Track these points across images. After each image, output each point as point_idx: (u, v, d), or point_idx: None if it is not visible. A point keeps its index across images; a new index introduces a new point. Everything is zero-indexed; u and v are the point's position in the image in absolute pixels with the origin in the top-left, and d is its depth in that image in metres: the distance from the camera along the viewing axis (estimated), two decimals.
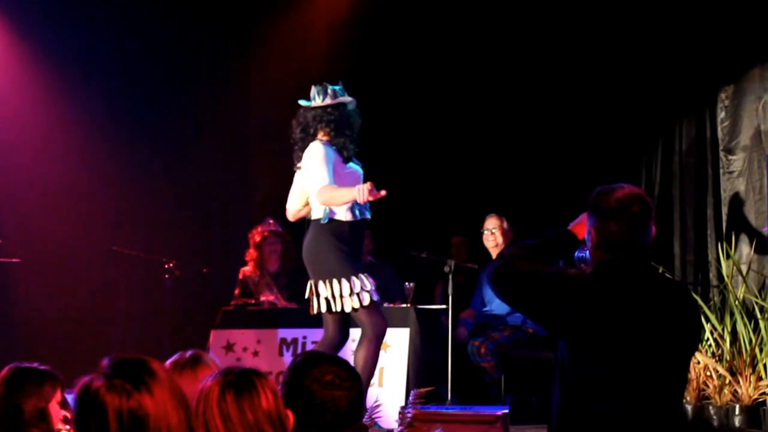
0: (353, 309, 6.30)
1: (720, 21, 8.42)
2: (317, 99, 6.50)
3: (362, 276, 6.34)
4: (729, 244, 7.83)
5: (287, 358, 7.65)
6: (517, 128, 9.34)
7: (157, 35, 9.50)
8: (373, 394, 6.62)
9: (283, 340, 7.73)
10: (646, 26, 8.72)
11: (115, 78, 9.41)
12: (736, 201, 8.12)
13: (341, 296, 6.29)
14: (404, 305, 7.62)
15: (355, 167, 6.50)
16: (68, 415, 3.75)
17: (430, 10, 9.47)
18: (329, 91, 6.51)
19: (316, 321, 7.72)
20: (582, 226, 3.72)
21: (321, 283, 6.32)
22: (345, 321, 6.47)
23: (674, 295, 3.58)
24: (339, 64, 9.29)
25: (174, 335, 8.33)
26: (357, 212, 6.39)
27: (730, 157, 8.31)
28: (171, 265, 8.29)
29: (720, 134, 8.39)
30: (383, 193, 6.02)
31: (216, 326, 7.93)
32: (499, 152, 9.37)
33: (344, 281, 6.29)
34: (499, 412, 6.41)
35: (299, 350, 7.65)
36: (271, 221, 8.47)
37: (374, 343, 6.37)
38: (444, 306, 7.67)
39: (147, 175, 9.49)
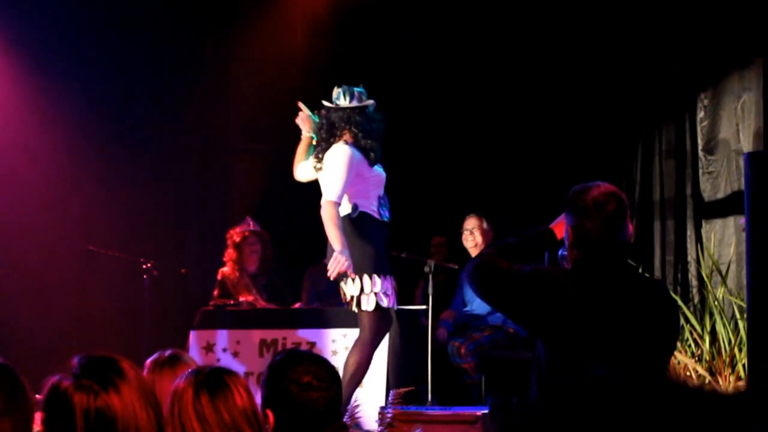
0: (366, 310, 6.28)
1: (699, 22, 8.46)
2: (343, 100, 6.46)
3: (386, 278, 6.32)
4: (709, 244, 7.86)
5: (267, 358, 7.51)
6: (497, 128, 9.34)
7: (136, 34, 9.46)
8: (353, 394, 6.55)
9: (263, 341, 7.68)
10: (627, 28, 8.75)
11: (94, 78, 9.34)
12: (716, 201, 8.15)
13: (359, 293, 6.24)
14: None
15: (379, 171, 6.46)
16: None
17: (410, 9, 9.46)
18: (355, 93, 6.48)
19: (296, 322, 7.79)
20: (561, 225, 3.73)
21: (349, 280, 6.23)
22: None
23: (651, 293, 3.60)
24: (318, 64, 9.29)
25: (153, 336, 8.27)
26: (384, 214, 6.42)
27: (709, 157, 8.37)
28: (149, 265, 8.25)
29: (699, 135, 8.45)
30: (350, 273, 6.05)
31: (195, 327, 7.86)
32: (480, 152, 9.37)
33: (366, 277, 6.23)
34: (479, 412, 6.44)
35: (279, 351, 7.59)
36: (250, 221, 8.46)
37: (368, 350, 6.33)
38: (424, 306, 7.68)
39: (125, 175, 9.41)
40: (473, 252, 8.07)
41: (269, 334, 7.69)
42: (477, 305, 8.05)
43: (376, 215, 6.37)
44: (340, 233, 6.06)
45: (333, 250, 6.04)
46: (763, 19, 8.18)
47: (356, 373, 6.27)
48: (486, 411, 6.59)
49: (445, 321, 8.03)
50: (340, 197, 6.17)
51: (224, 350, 7.75)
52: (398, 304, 7.53)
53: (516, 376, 7.73)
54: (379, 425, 6.56)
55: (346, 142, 6.32)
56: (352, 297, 6.26)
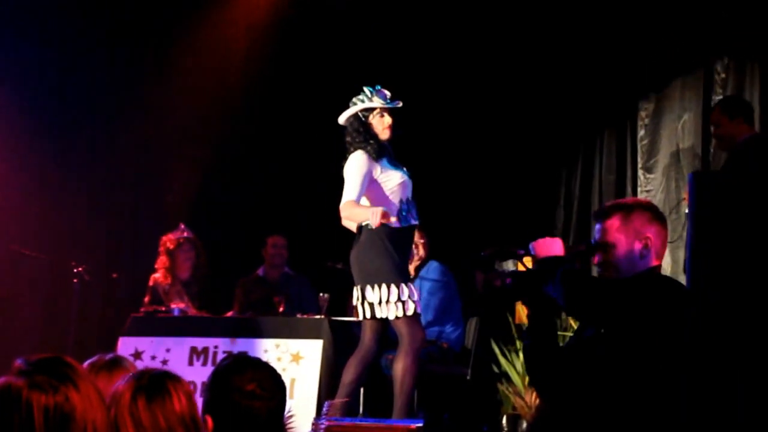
0: (396, 317, 6.29)
1: (642, 40, 8.60)
2: (342, 117, 6.61)
3: (410, 285, 6.36)
4: None
5: (197, 367, 7.54)
6: (435, 139, 9.36)
7: (71, 36, 9.36)
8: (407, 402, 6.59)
9: (194, 349, 7.62)
10: (570, 42, 8.86)
11: (27, 77, 9.22)
12: None
13: (387, 302, 6.29)
14: (318, 316, 7.59)
15: (397, 174, 6.51)
16: None
17: (348, 16, 9.46)
18: (352, 103, 6.61)
19: (228, 331, 7.71)
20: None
21: (369, 288, 6.31)
22: (383, 330, 6.51)
23: None
24: (258, 69, 9.25)
25: (81, 341, 8.16)
26: (402, 220, 6.40)
27: (648, 175, 8.52)
28: (81, 269, 8.11)
29: (639, 152, 8.59)
30: (393, 219, 6.17)
31: (124, 333, 7.78)
32: (417, 163, 9.36)
33: (393, 287, 6.28)
34: (413, 425, 6.38)
35: (209, 360, 7.55)
36: (183, 228, 8.42)
37: (411, 355, 6.37)
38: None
39: (57, 178, 9.31)
40: (413, 265, 8.04)
41: (200, 343, 7.63)
42: None
43: (395, 223, 6.37)
44: (363, 208, 6.25)
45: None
46: (703, 41, 8.34)
47: (404, 380, 6.38)
48: (420, 424, 6.55)
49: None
50: (359, 196, 6.31)
51: (153, 358, 7.64)
52: (332, 314, 7.63)
53: (448, 391, 7.73)
54: None
55: (356, 150, 6.45)
56: (365, 306, 6.35)
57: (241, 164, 9.90)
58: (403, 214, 6.40)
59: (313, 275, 8.78)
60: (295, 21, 9.46)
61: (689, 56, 8.44)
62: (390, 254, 6.33)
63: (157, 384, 2.89)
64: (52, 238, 9.03)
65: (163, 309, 8.06)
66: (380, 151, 6.47)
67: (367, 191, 6.42)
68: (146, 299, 8.28)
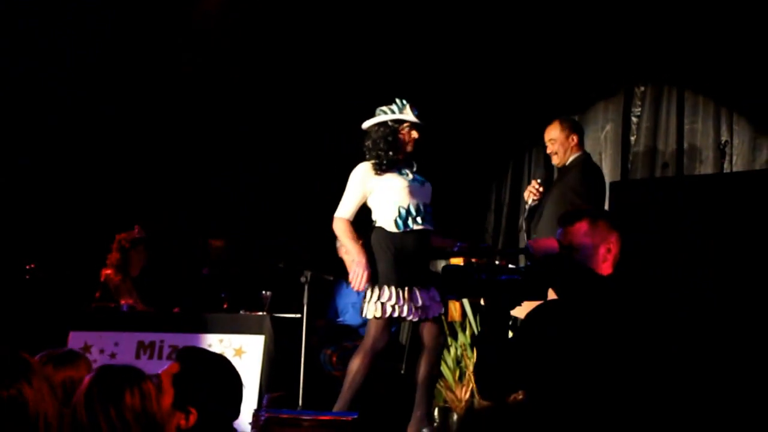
0: (374, 317, 6.51)
1: (568, 52, 8.79)
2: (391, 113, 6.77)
3: (402, 289, 6.51)
4: None
5: (144, 360, 7.65)
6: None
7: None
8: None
9: (141, 343, 7.74)
10: (497, 53, 8.99)
11: None
12: None
13: (370, 301, 6.50)
14: (260, 313, 7.72)
15: (402, 181, 6.68)
16: None
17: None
18: (377, 112, 6.79)
19: (174, 326, 7.80)
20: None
21: (368, 287, 6.56)
22: (388, 326, 6.64)
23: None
24: None
25: (31, 335, 8.25)
26: (401, 224, 6.59)
27: None
28: (32, 265, 8.27)
29: None
30: (359, 282, 6.47)
31: (74, 327, 7.88)
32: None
33: (385, 288, 6.50)
34: (349, 418, 6.67)
35: (156, 353, 7.69)
36: (138, 228, 8.53)
37: (369, 356, 6.58)
38: (299, 315, 7.85)
39: (8, 173, 9.37)
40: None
41: (147, 337, 7.76)
42: (350, 316, 8.25)
43: (393, 227, 6.60)
44: (352, 243, 6.53)
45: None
46: (627, 52, 8.56)
47: (355, 377, 6.60)
48: (355, 416, 6.82)
49: (319, 329, 8.18)
50: (346, 212, 6.62)
51: (102, 351, 7.76)
52: (273, 312, 7.76)
53: (383, 385, 7.94)
54: (253, 428, 6.75)
55: (367, 160, 6.71)
56: (365, 305, 6.57)
57: (189, 166, 9.97)
58: (401, 219, 6.60)
59: (254, 273, 8.88)
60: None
61: (610, 80, 8.67)
62: (389, 258, 6.54)
63: (114, 378, 2.97)
64: (2, 234, 9.13)
65: (113, 305, 8.19)
66: (391, 164, 6.65)
67: (370, 199, 6.68)
68: (97, 294, 8.37)
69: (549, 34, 8.88)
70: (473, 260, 5.92)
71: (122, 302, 8.23)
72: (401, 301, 6.49)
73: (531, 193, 6.65)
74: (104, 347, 7.83)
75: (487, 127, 9.11)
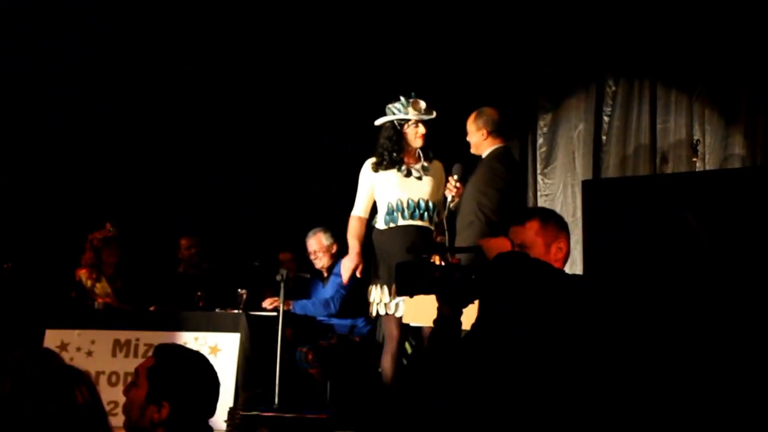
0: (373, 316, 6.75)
1: (540, 50, 8.85)
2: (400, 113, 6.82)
3: (381, 287, 6.62)
4: None
5: (120, 358, 7.69)
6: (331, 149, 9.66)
7: None
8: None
9: (117, 341, 7.75)
10: (468, 50, 9.02)
11: None
12: None
13: (370, 302, 6.69)
14: (236, 311, 7.73)
15: (392, 177, 6.75)
16: None
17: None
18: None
19: (150, 323, 7.81)
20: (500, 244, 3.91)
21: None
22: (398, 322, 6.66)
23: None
24: None
25: (7, 334, 8.26)
26: (387, 220, 6.70)
27: (546, 181, 8.73)
28: (8, 265, 8.27)
29: (539, 159, 8.81)
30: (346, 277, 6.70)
31: (50, 326, 7.90)
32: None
33: (372, 288, 6.69)
34: (324, 415, 6.72)
35: (132, 351, 7.69)
36: (110, 227, 8.54)
37: (386, 353, 6.69)
38: (274, 313, 7.82)
39: None
40: (324, 265, 8.36)
41: (123, 335, 7.77)
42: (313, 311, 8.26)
43: (380, 224, 6.71)
44: (349, 239, 6.75)
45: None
46: (598, 51, 8.62)
47: (384, 378, 6.72)
48: (330, 414, 6.87)
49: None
50: (356, 209, 6.78)
51: (78, 350, 7.77)
52: (249, 310, 7.73)
53: (359, 383, 7.97)
54: (228, 425, 6.79)
55: (372, 157, 6.87)
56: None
57: (162, 163, 9.99)
58: (388, 215, 6.70)
59: (231, 272, 8.89)
60: None
61: (583, 74, 8.69)
62: (375, 256, 6.70)
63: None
64: None
65: (89, 303, 8.21)
66: (393, 162, 6.74)
67: (375, 196, 6.80)
68: (72, 293, 8.40)
69: (521, 32, 8.92)
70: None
71: (99, 300, 8.24)
72: (387, 299, 6.57)
73: (449, 191, 6.55)
74: (81, 345, 7.83)
75: (457, 128, 9.14)
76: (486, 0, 8.94)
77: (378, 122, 6.84)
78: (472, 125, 6.65)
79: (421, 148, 6.82)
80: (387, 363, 6.67)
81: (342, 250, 7.90)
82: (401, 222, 6.65)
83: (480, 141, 6.61)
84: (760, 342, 4.72)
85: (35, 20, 9.11)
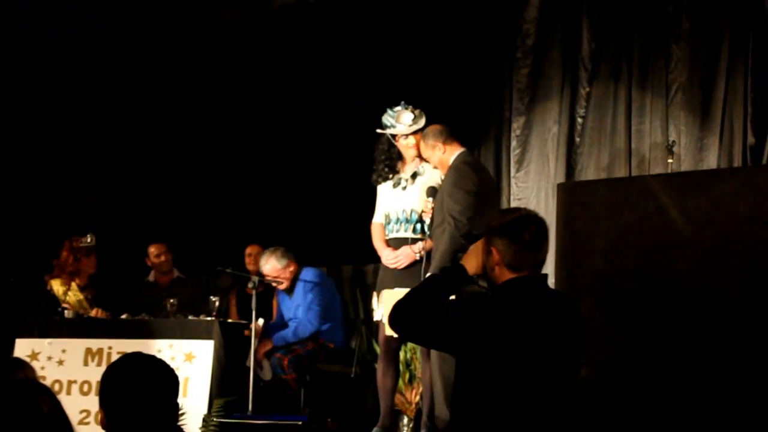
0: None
1: (513, 53, 8.89)
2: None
3: (379, 295, 6.65)
4: None
5: (92, 367, 7.64)
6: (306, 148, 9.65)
7: None
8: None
9: (89, 350, 7.70)
10: (444, 50, 9.07)
11: None
12: None
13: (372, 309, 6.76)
14: (209, 318, 7.68)
15: (385, 190, 6.86)
16: None
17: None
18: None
19: (122, 332, 7.74)
20: (471, 258, 3.92)
21: None
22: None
23: (568, 308, 3.86)
24: None
25: None
26: (387, 231, 6.78)
27: (519, 184, 8.74)
28: None
29: (512, 162, 8.82)
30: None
31: (20, 335, 7.84)
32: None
33: (374, 294, 6.77)
34: (299, 422, 6.69)
35: (104, 360, 7.60)
36: (89, 235, 8.40)
37: (381, 361, 6.68)
38: (245, 321, 7.82)
39: None
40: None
41: (95, 344, 7.72)
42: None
43: (390, 234, 6.75)
44: (375, 244, 6.79)
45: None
46: (572, 54, 8.65)
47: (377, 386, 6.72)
48: (305, 420, 6.84)
49: (268, 334, 8.15)
50: (375, 217, 6.87)
51: (49, 359, 7.72)
52: (222, 316, 7.77)
53: (333, 389, 7.97)
54: None
55: None
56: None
57: (131, 170, 10.00)
58: (387, 227, 6.77)
59: (203, 279, 8.93)
60: None
61: (556, 81, 8.70)
62: (381, 266, 6.75)
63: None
64: None
65: (60, 311, 8.12)
66: (387, 174, 6.82)
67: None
68: (43, 302, 8.29)
69: (492, 33, 8.99)
70: None
71: (69, 308, 8.14)
72: (376, 306, 6.69)
73: (426, 213, 6.55)
74: (52, 355, 7.77)
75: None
76: (458, 1, 8.96)
77: (379, 131, 6.85)
78: (425, 148, 6.64)
79: (419, 156, 6.78)
80: (379, 366, 6.72)
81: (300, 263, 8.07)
82: (392, 234, 6.74)
83: (440, 155, 6.57)
84: (729, 338, 4.73)
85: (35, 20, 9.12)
